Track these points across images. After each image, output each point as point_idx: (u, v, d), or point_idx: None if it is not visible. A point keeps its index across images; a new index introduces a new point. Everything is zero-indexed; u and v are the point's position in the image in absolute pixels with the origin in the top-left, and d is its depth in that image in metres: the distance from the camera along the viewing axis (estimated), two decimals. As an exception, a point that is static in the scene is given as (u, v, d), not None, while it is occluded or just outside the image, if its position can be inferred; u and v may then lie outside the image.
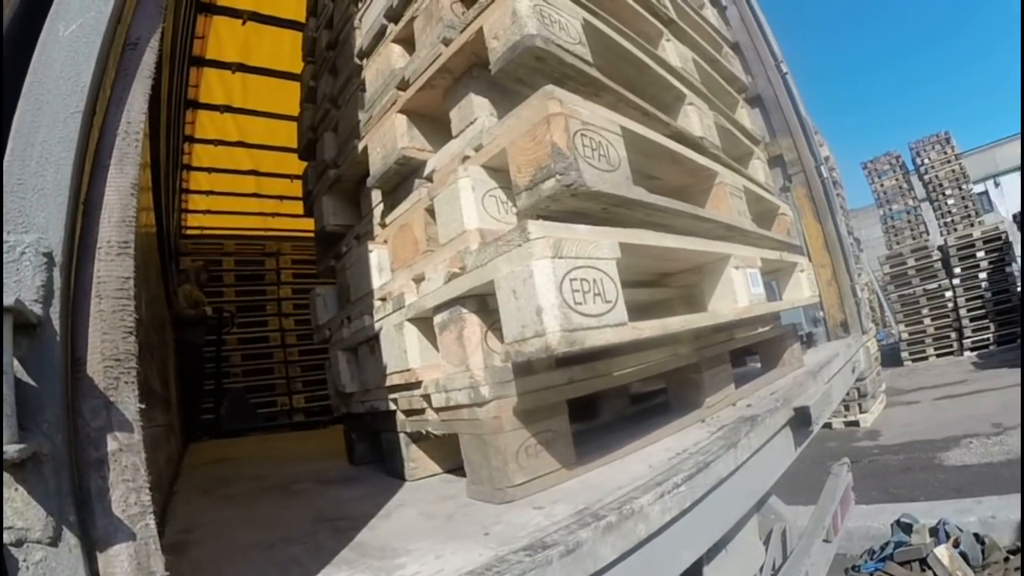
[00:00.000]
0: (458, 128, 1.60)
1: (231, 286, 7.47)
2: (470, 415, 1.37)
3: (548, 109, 1.18)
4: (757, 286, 1.88)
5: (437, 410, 1.55)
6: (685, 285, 1.93)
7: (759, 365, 3.01)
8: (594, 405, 1.98)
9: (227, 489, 2.31)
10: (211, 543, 1.42)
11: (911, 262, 12.54)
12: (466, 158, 1.49)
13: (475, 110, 1.53)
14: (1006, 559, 3.92)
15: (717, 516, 1.42)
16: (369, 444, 2.35)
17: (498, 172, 1.41)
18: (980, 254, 11.90)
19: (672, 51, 2.22)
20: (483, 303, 1.37)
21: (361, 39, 2.15)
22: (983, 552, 4.01)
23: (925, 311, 12.39)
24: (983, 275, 11.89)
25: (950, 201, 15.22)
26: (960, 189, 15.30)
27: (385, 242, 1.92)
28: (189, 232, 7.92)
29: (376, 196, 2.08)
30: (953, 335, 12.19)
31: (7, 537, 0.63)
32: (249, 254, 7.85)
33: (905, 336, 12.79)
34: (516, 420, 1.30)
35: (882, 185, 16.61)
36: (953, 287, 12.07)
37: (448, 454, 1.81)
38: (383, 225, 1.99)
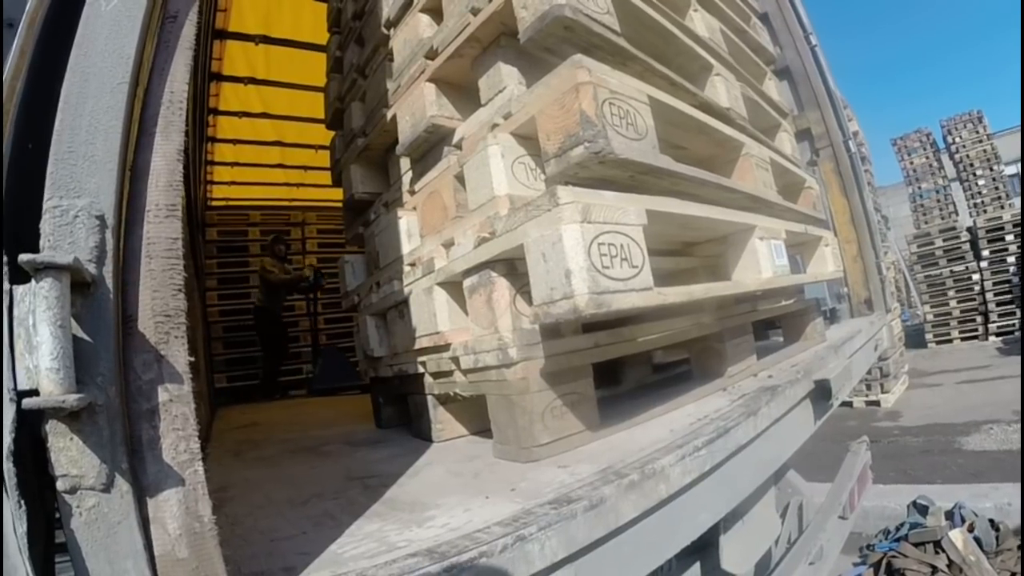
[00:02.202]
0: (487, 96, 1.63)
1: (257, 256, 7.56)
2: (498, 376, 1.42)
3: (577, 78, 1.20)
4: (781, 258, 1.90)
5: (465, 372, 1.60)
6: (710, 255, 1.94)
7: (782, 339, 3.02)
8: (618, 372, 2.02)
9: (258, 451, 2.39)
10: (245, 500, 1.48)
11: (939, 243, 12.32)
12: (495, 126, 1.51)
13: (504, 79, 1.55)
14: (1020, 546, 3.93)
15: (735, 482, 1.45)
16: (396, 408, 2.42)
17: (527, 140, 1.44)
18: (1009, 237, 11.66)
19: (700, 21, 2.21)
20: (512, 267, 1.40)
21: (388, 9, 2.16)
22: (997, 538, 4.03)
23: (951, 293, 12.19)
24: (1012, 259, 11.65)
25: (980, 182, 14.84)
26: (991, 170, 14.90)
27: (414, 209, 1.96)
28: (214, 204, 8.02)
29: (404, 164, 2.11)
30: (979, 319, 11.99)
31: (61, 485, 0.67)
32: (275, 224, 7.93)
33: (930, 318, 12.62)
34: (543, 381, 1.34)
35: (911, 163, 16.23)
36: (980, 270, 11.85)
37: (475, 416, 1.86)
38: (412, 192, 2.03)
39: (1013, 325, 11.61)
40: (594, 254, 1.08)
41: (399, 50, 2.07)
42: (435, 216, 1.77)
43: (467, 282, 1.51)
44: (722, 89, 2.04)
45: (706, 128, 1.73)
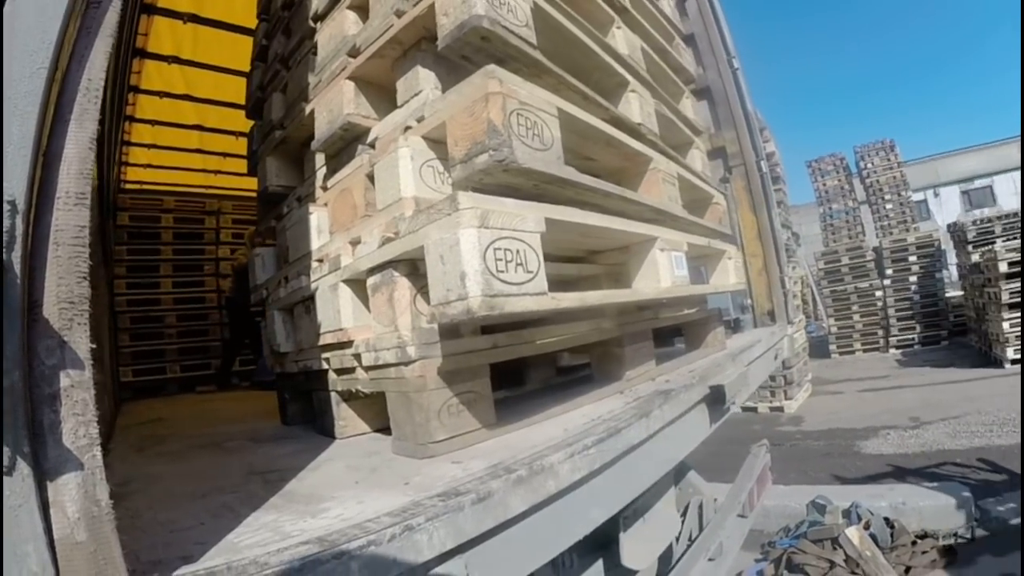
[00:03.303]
0: (403, 99, 1.66)
1: (169, 244, 7.28)
2: (397, 374, 1.45)
3: (487, 88, 1.25)
4: (681, 268, 2.01)
5: (367, 369, 1.62)
6: (614, 263, 2.03)
7: (684, 346, 3.16)
8: (520, 373, 2.09)
9: (161, 447, 2.34)
10: (146, 493, 1.47)
11: (845, 260, 13.19)
12: (408, 128, 1.55)
13: (421, 83, 1.59)
14: (913, 543, 4.17)
15: (628, 480, 1.53)
16: (301, 404, 2.41)
17: (437, 144, 1.48)
18: (912, 258, 12.59)
19: (621, 38, 2.30)
20: (414, 267, 1.44)
21: (317, 2, 2.16)
22: (892, 535, 4.26)
23: (855, 308, 13.09)
24: (913, 278, 12.58)
25: (888, 206, 15.98)
26: (899, 195, 16.06)
27: (326, 205, 1.97)
28: (128, 187, 7.67)
29: (320, 159, 2.11)
30: (880, 332, 12.89)
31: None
32: (189, 212, 7.66)
33: (834, 330, 13.49)
34: (440, 380, 1.38)
35: (824, 184, 17.29)
36: (883, 287, 12.74)
37: (377, 414, 1.88)
38: (325, 188, 2.03)
39: (912, 339, 12.50)
40: (489, 258, 1.13)
41: (324, 44, 2.08)
42: (345, 213, 1.79)
43: (371, 280, 1.53)
44: (636, 105, 2.14)
45: (615, 142, 1.81)
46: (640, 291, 1.83)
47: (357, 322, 1.67)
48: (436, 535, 0.97)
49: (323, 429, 2.02)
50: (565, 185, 1.44)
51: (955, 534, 4.36)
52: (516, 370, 2.08)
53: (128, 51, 5.19)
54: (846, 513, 4.52)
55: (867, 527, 4.28)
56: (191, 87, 6.50)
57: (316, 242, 1.97)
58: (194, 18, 5.59)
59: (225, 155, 7.48)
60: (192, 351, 7.04)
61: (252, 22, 3.49)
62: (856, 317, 13.09)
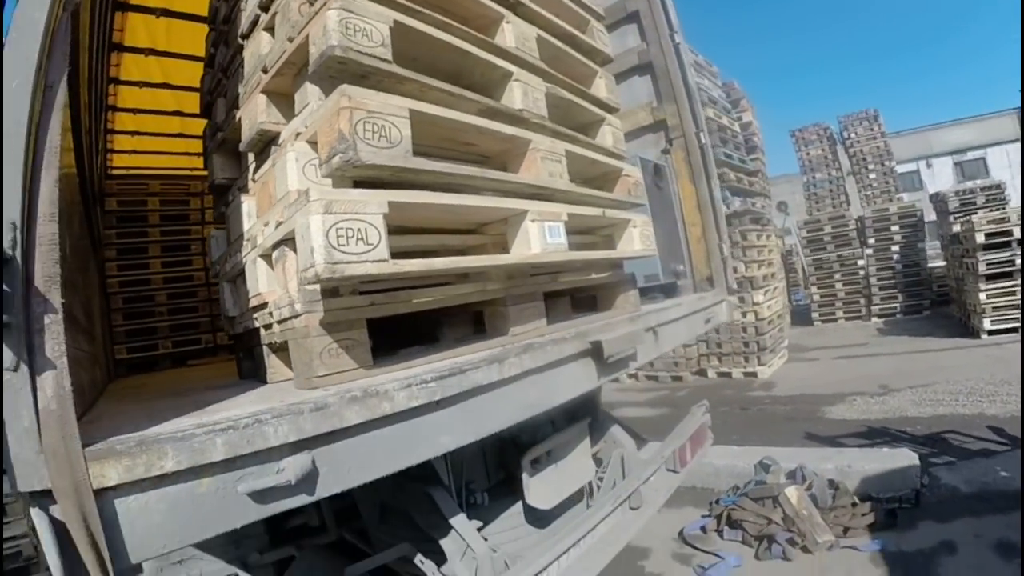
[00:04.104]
0: (298, 109, 2.13)
1: (156, 226, 7.72)
2: (291, 325, 1.93)
3: (339, 104, 1.72)
4: (556, 237, 2.45)
5: (278, 323, 2.10)
6: (499, 233, 2.47)
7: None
8: (423, 327, 2.55)
9: (134, 398, 2.83)
10: (109, 415, 1.96)
11: (828, 229, 13.65)
12: (299, 134, 2.01)
13: (308, 96, 2.05)
14: (854, 504, 4.41)
15: (483, 416, 1.99)
16: (251, 360, 2.89)
17: (316, 146, 1.93)
18: (895, 228, 12.97)
19: (511, 32, 2.68)
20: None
21: (244, 21, 2.62)
22: (833, 496, 4.50)
23: (837, 276, 13.54)
24: (895, 248, 12.96)
25: (872, 175, 16.29)
26: (883, 165, 16.39)
27: (254, 195, 2.44)
28: (114, 172, 8.13)
29: (250, 157, 2.57)
30: (862, 301, 13.39)
31: None
32: (174, 194, 8.08)
33: (817, 298, 13.94)
34: (321, 329, 1.86)
35: (808, 154, 17.63)
36: (866, 256, 13.13)
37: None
38: (253, 181, 2.51)
39: (894, 308, 12.92)
40: (332, 236, 1.61)
41: (248, 60, 2.54)
42: (265, 201, 2.27)
43: (274, 255, 2.01)
44: (519, 93, 2.55)
45: (484, 130, 2.25)
46: (503, 256, 2.29)
47: (269, 288, 2.15)
48: (280, 429, 1.44)
49: (260, 377, 2.51)
50: (418, 173, 1.89)
51: (899, 499, 4.52)
52: (421, 324, 2.54)
53: (106, 46, 5.62)
54: (791, 474, 4.79)
55: (809, 488, 4.51)
56: (168, 76, 6.94)
57: (247, 225, 2.45)
58: (166, 12, 5.99)
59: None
60: (183, 327, 7.53)
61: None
62: (839, 286, 13.61)
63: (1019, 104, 26.41)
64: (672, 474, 3.99)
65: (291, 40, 2.05)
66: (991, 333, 9.63)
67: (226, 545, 3.06)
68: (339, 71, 1.85)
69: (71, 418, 1.22)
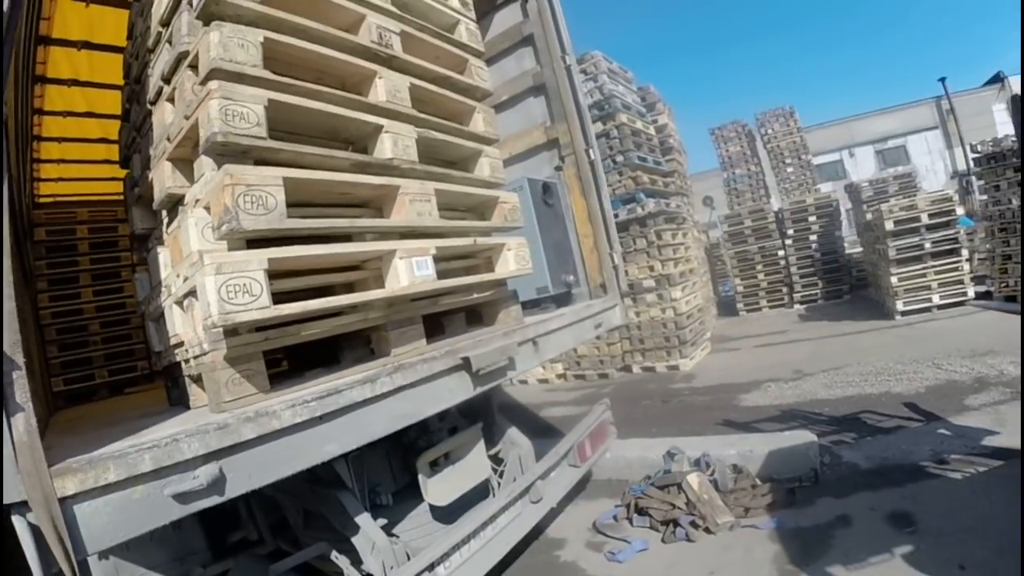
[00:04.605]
0: (196, 176, 2.63)
1: (86, 254, 7.95)
2: (202, 361, 2.40)
3: (223, 181, 2.20)
4: (424, 269, 2.96)
5: (193, 358, 2.57)
6: (376, 268, 2.97)
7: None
8: (320, 353, 3.03)
9: (73, 430, 3.23)
10: (59, 446, 2.35)
11: (748, 222, 14.52)
12: (197, 200, 2.48)
13: (204, 167, 2.54)
14: (754, 486, 4.64)
15: (360, 427, 2.48)
16: (177, 389, 3.33)
17: (211, 211, 2.40)
18: (812, 219, 13.91)
19: (383, 87, 3.13)
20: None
21: (151, 88, 3.06)
22: (735, 480, 4.75)
23: (759, 267, 14.44)
24: (814, 237, 13.90)
25: (789, 169, 17.32)
26: (799, 159, 17.44)
27: (168, 246, 2.88)
28: (42, 201, 8.33)
29: (164, 212, 3.01)
30: (784, 289, 14.35)
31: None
32: (103, 220, 8.31)
33: (740, 289, 14.81)
34: (225, 363, 2.36)
35: (727, 150, 18.63)
36: (785, 247, 14.03)
37: (211, 389, 2.81)
38: (168, 234, 2.95)
39: (815, 295, 13.88)
40: (223, 291, 2.10)
41: (156, 125, 3.00)
42: (176, 254, 2.74)
43: (184, 303, 2.49)
44: (389, 144, 3.05)
45: (354, 183, 2.77)
46: (372, 293, 2.79)
47: (184, 329, 2.61)
48: (192, 445, 1.94)
49: (185, 404, 2.97)
50: (292, 231, 2.38)
51: (798, 478, 4.69)
52: (318, 351, 3.02)
53: (29, 78, 5.90)
54: (696, 462, 5.04)
55: (712, 473, 4.79)
56: (92, 105, 7.24)
57: (163, 273, 2.93)
58: (87, 44, 6.30)
59: (132, 165, 8.19)
60: (118, 355, 7.83)
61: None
62: (761, 276, 14.53)
63: (938, 94, 28.33)
64: (573, 469, 4.50)
65: (187, 118, 2.53)
66: (904, 314, 10.38)
67: (171, 562, 3.48)
68: (224, 150, 2.35)
69: (38, 445, 1.71)
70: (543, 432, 5.94)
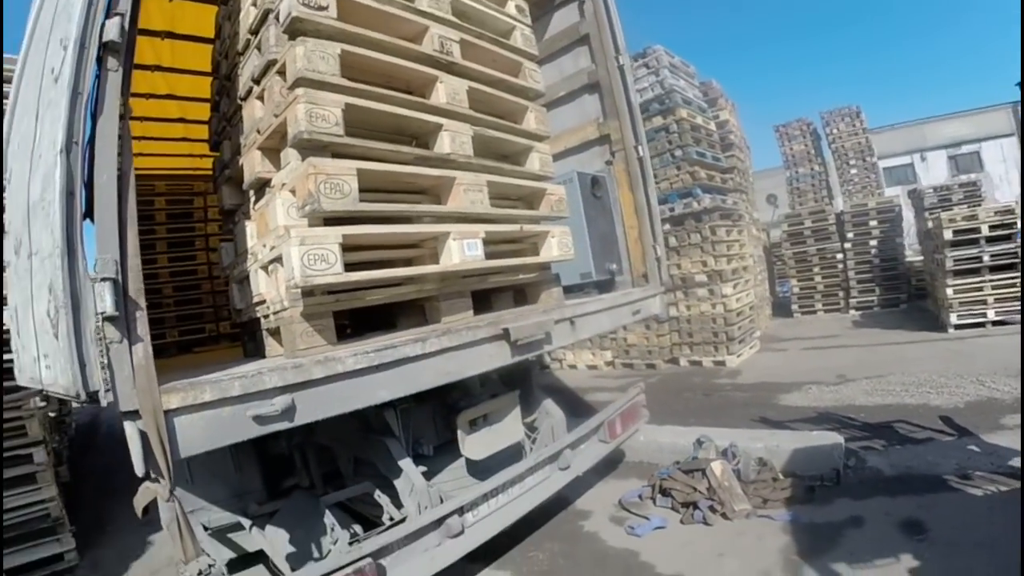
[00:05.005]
0: (283, 163, 3.22)
1: (162, 224, 8.80)
2: (282, 316, 2.99)
3: (307, 171, 2.78)
4: (473, 250, 3.51)
5: (273, 314, 3.16)
6: (432, 247, 3.53)
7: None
8: (384, 316, 3.60)
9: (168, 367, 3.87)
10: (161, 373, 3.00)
11: (808, 223, 14.57)
12: (283, 184, 3.06)
13: (289, 156, 3.13)
14: (774, 479, 4.82)
15: (411, 378, 3.03)
16: (253, 342, 3.95)
17: (295, 194, 2.97)
18: (873, 223, 13.92)
19: (443, 90, 3.69)
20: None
21: (241, 87, 3.68)
22: (758, 472, 5.00)
23: (816, 269, 14.52)
24: (873, 242, 13.94)
25: (853, 171, 17.22)
26: (864, 161, 17.35)
27: (254, 220, 3.48)
28: (124, 173, 9.18)
29: (252, 192, 3.62)
30: (841, 293, 14.43)
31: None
32: (180, 193, 9.15)
33: (796, 290, 14.92)
34: (301, 318, 2.94)
35: (791, 149, 18.60)
36: (844, 250, 14.09)
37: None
38: (255, 210, 3.55)
39: (872, 301, 13.92)
40: (305, 259, 2.68)
41: (246, 118, 3.61)
42: (262, 227, 3.33)
43: (269, 268, 3.08)
44: (447, 140, 3.62)
45: (416, 174, 3.32)
46: (423, 268, 3.36)
47: (267, 289, 3.20)
48: (271, 378, 2.52)
49: (261, 354, 3.57)
50: (363, 213, 2.93)
51: (820, 477, 4.85)
52: (379, 318, 3.59)
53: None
54: (724, 451, 5.29)
55: (736, 464, 5.06)
56: (172, 88, 8.01)
57: (250, 243, 3.53)
58: (169, 34, 7.04)
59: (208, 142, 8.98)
60: (188, 317, 8.65)
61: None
62: (818, 279, 14.59)
63: (1015, 99, 27.35)
64: (603, 444, 4.94)
65: (276, 116, 3.12)
66: (957, 327, 10.19)
67: (231, 499, 4.12)
68: (308, 144, 2.94)
69: (152, 368, 2.28)
70: (582, 411, 6.31)
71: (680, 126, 10.62)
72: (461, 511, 3.54)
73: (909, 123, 30.89)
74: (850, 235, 14.18)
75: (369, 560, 2.99)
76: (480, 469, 4.21)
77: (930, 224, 11.30)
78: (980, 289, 10.09)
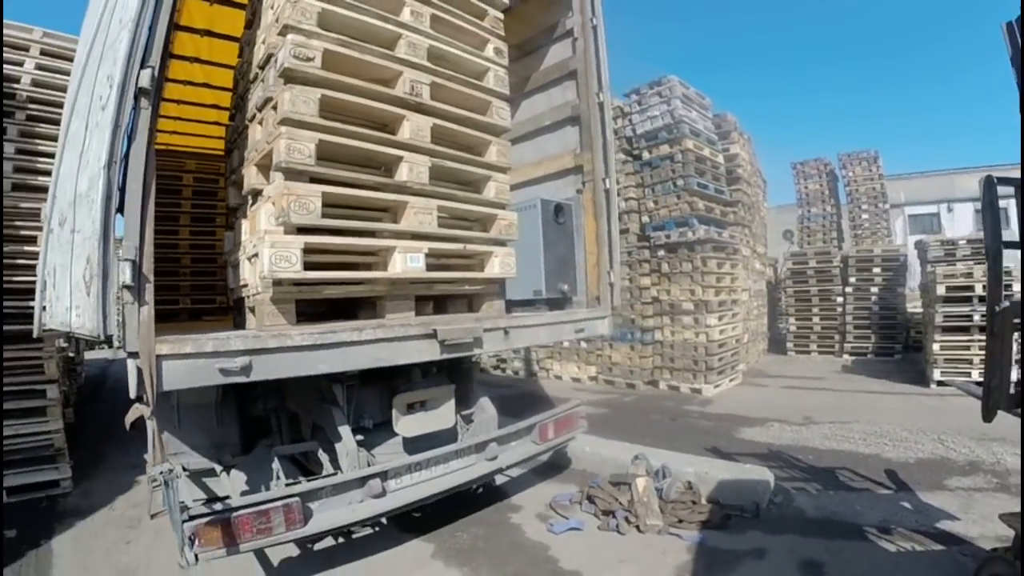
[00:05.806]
0: (271, 181, 4.32)
1: (188, 199, 10.05)
2: (257, 299, 4.10)
3: (282, 191, 3.89)
4: (415, 262, 4.58)
5: (252, 296, 4.26)
6: (384, 256, 4.57)
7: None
8: (346, 306, 4.66)
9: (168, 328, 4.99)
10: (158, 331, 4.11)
11: (812, 263, 15.32)
12: (269, 197, 4.15)
13: (275, 177, 4.25)
14: (695, 503, 5.31)
15: (347, 358, 4.05)
16: (240, 316, 5.07)
17: (275, 206, 4.04)
18: (876, 270, 14.60)
19: (408, 127, 4.70)
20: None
21: (249, 110, 4.78)
22: (681, 493, 5.43)
23: (816, 310, 15.26)
24: (875, 289, 14.65)
25: (864, 216, 17.81)
26: (876, 207, 17.93)
27: (248, 219, 4.57)
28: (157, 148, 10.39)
29: (249, 196, 4.71)
30: (836, 337, 15.11)
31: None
32: (208, 172, 10.37)
33: (793, 329, 15.66)
34: (269, 302, 4.05)
35: (806, 187, 19.21)
36: (845, 294, 14.81)
37: (260, 319, 4.50)
38: (251, 210, 4.65)
39: (866, 347, 14.59)
40: (273, 258, 3.84)
41: (249, 137, 4.77)
42: (252, 227, 4.46)
43: (251, 260, 4.20)
44: (405, 170, 4.65)
45: (374, 199, 4.37)
46: (373, 274, 4.40)
47: (250, 276, 4.31)
48: (236, 343, 3.64)
49: (243, 327, 4.65)
50: (325, 226, 4.00)
51: (741, 508, 5.26)
52: (347, 307, 4.64)
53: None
54: (657, 471, 5.83)
55: (662, 483, 5.62)
56: (208, 77, 9.26)
57: (244, 236, 4.67)
58: (208, 32, 8.25)
59: (240, 127, 10.20)
60: (201, 288, 9.91)
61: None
62: (816, 319, 15.32)
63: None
64: (534, 444, 5.69)
65: (268, 143, 4.23)
66: (939, 383, 10.65)
67: (210, 447, 5.19)
68: (287, 170, 4.05)
69: (152, 325, 3.39)
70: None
71: (685, 156, 11.35)
72: (385, 476, 4.41)
73: (939, 172, 31.45)
74: (852, 279, 14.86)
75: (297, 499, 3.95)
76: (417, 449, 4.93)
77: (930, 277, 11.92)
78: (967, 348, 10.51)
